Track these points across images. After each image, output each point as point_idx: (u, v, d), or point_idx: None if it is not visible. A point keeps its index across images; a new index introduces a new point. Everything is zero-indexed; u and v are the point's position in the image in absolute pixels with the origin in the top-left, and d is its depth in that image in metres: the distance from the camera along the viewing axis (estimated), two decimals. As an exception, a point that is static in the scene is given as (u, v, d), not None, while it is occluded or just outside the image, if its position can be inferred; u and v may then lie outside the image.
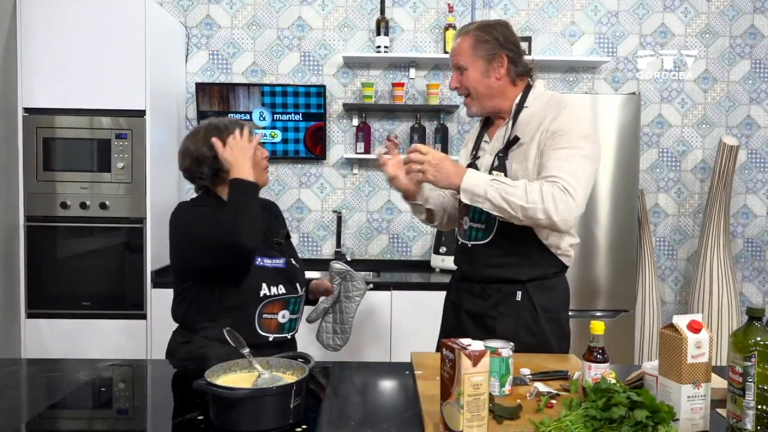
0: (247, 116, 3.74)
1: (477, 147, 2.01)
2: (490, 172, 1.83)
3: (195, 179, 1.89)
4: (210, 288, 1.80)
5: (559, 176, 1.70)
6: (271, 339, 1.79)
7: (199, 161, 1.84)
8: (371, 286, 1.99)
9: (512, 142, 1.84)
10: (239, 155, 1.76)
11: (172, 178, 3.63)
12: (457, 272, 2.04)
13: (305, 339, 1.90)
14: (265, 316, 1.78)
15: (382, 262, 3.87)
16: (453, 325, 1.95)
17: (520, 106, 1.88)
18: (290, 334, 1.87)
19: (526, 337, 1.83)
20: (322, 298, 2.06)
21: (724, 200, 3.64)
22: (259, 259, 1.80)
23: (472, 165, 1.93)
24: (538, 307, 1.84)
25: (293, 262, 1.92)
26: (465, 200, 1.74)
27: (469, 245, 1.92)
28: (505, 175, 1.81)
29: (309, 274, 2.15)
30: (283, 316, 1.82)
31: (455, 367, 1.17)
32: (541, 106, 1.86)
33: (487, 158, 1.92)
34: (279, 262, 1.83)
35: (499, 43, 1.85)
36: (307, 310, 2.05)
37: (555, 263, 1.88)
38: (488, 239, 1.87)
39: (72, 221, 3.22)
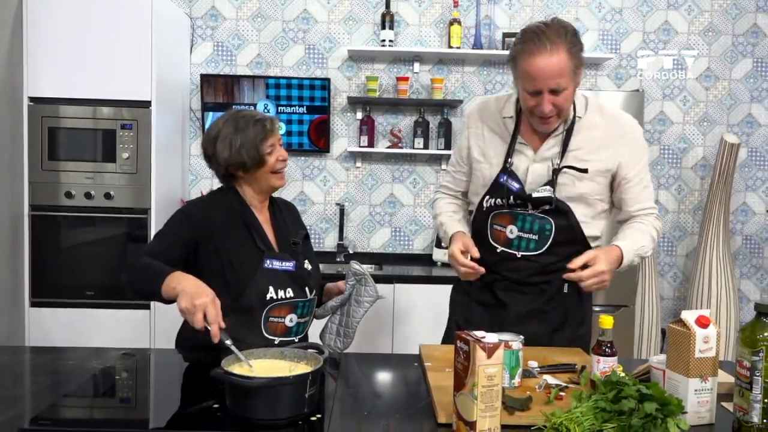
0: (252, 108, 3.74)
1: (511, 152, 1.83)
2: (546, 184, 1.78)
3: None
4: (223, 286, 1.76)
5: (653, 206, 1.87)
6: (277, 342, 1.76)
7: (209, 158, 1.82)
8: (384, 297, 1.98)
9: (579, 169, 1.77)
10: (188, 294, 1.51)
11: (176, 168, 3.64)
12: (488, 275, 1.85)
13: (312, 337, 1.91)
14: (271, 319, 1.76)
15: (384, 255, 3.89)
16: (488, 325, 1.69)
17: (574, 117, 1.80)
18: (298, 337, 1.83)
19: (571, 328, 1.86)
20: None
21: (723, 198, 3.67)
22: (267, 262, 1.76)
23: (506, 170, 1.82)
24: (584, 297, 1.87)
25: (306, 264, 1.88)
26: None
27: (519, 255, 1.83)
28: (553, 187, 1.76)
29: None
30: (290, 319, 1.79)
31: (470, 359, 1.19)
32: (598, 120, 1.80)
33: (534, 167, 1.81)
34: (288, 265, 1.79)
35: (581, 49, 1.70)
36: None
37: None
38: (542, 250, 1.81)
39: (76, 211, 3.23)
